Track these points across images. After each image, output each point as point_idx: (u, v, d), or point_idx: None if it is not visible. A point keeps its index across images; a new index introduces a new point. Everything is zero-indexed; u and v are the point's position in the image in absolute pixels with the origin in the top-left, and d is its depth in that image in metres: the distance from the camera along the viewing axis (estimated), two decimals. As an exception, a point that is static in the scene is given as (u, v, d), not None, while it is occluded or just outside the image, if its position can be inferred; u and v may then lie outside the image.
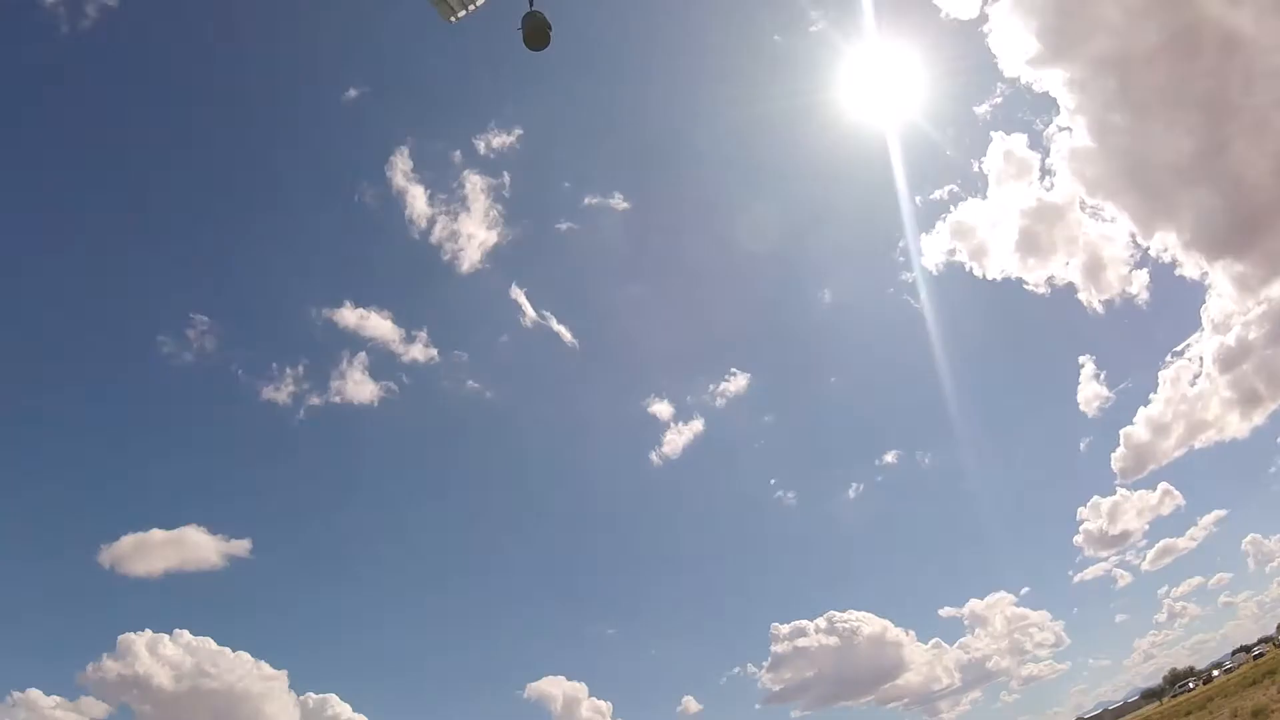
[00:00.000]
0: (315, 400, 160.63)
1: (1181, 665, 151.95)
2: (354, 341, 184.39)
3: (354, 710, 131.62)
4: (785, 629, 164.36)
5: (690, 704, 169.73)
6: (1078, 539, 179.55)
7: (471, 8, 23.72)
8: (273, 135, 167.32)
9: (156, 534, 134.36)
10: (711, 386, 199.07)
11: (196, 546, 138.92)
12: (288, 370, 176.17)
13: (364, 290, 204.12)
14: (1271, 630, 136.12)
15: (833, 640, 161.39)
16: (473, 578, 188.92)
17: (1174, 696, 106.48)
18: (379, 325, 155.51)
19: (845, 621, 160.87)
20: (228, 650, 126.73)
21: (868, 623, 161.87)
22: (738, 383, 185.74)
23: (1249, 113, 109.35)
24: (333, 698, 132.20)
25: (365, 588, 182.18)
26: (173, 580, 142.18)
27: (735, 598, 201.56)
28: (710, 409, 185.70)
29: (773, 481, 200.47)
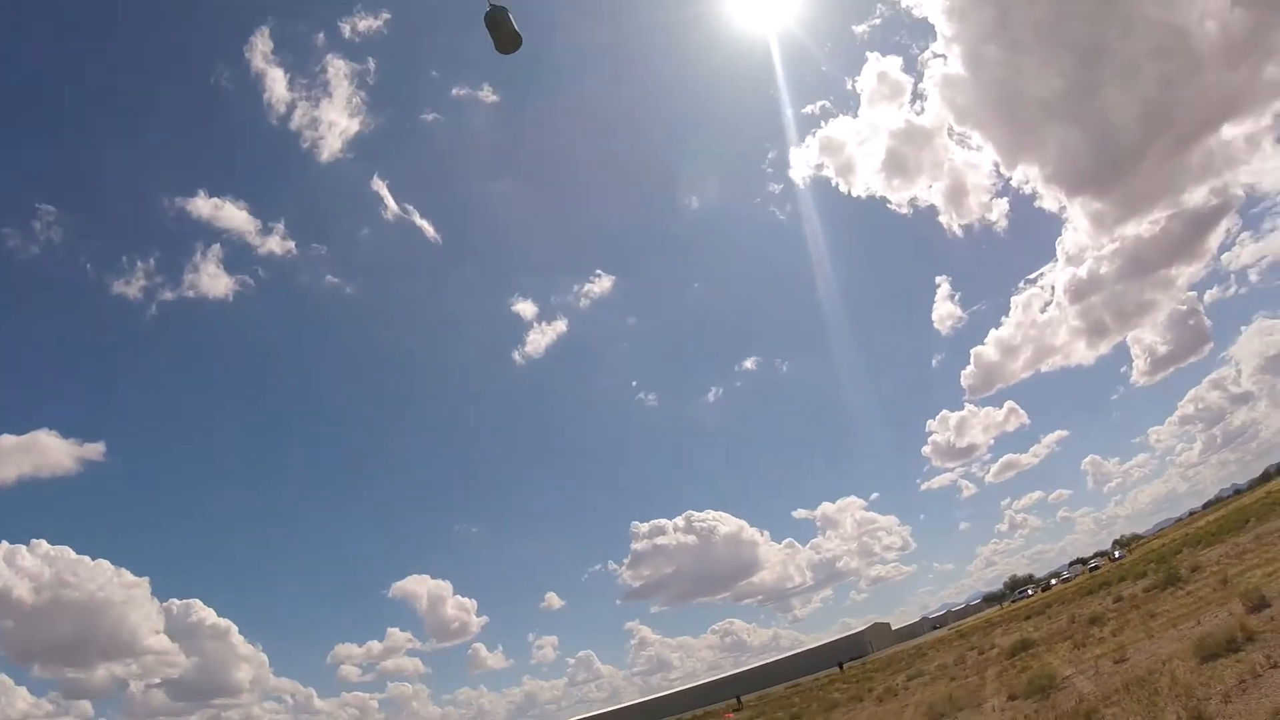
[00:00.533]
0: (168, 295, 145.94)
1: (1021, 573, 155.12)
2: (208, 233, 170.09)
3: (218, 615, 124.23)
4: (645, 527, 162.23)
5: (553, 600, 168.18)
6: (926, 450, 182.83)
7: None
8: (124, 11, 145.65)
9: (6, 440, 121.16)
10: (576, 287, 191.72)
11: (48, 451, 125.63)
12: (139, 263, 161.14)
13: (219, 179, 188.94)
14: (1106, 546, 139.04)
15: (691, 539, 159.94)
16: (334, 478, 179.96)
17: (1014, 602, 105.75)
18: (234, 216, 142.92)
19: (703, 521, 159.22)
20: (87, 559, 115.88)
21: (724, 522, 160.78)
22: (602, 284, 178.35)
23: (1122, 58, 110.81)
24: (196, 603, 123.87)
25: (225, 491, 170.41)
26: (26, 488, 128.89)
27: (596, 497, 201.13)
28: (574, 310, 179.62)
29: (634, 383, 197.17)
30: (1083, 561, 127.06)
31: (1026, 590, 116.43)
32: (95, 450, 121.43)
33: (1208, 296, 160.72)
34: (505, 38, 10.75)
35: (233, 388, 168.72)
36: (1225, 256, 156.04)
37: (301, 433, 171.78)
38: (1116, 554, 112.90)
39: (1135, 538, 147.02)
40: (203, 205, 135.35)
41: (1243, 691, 8.71)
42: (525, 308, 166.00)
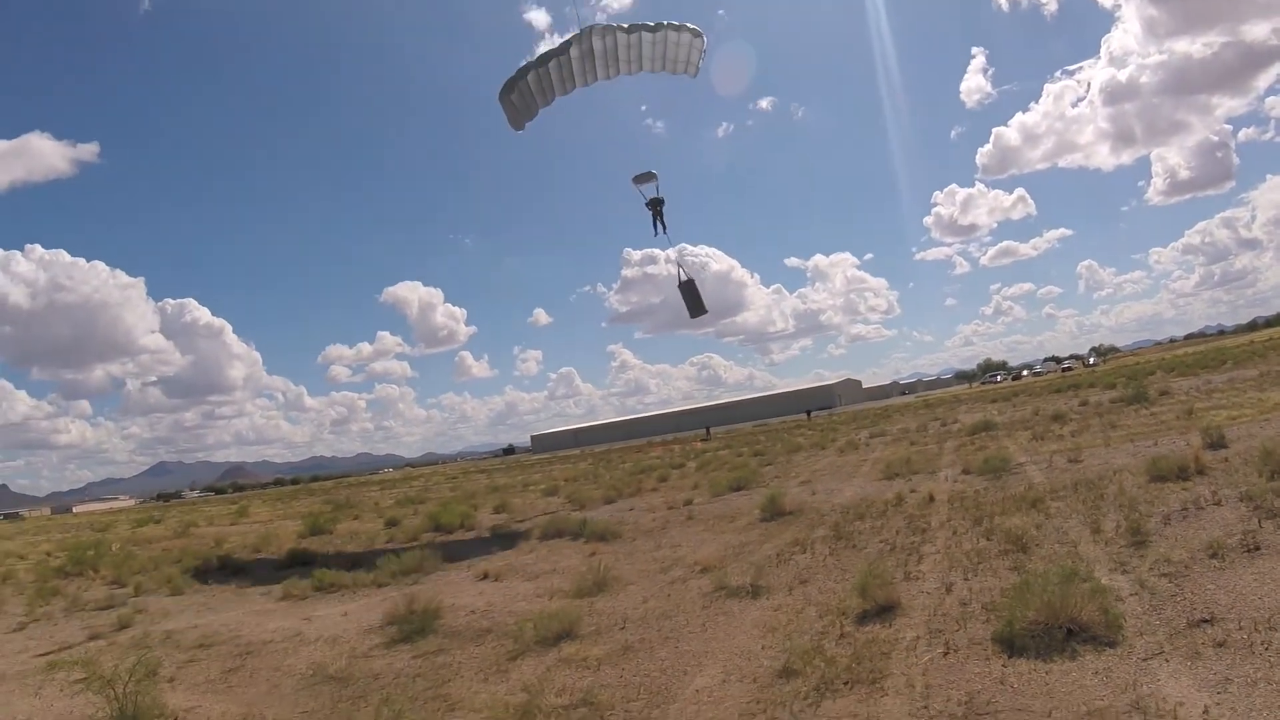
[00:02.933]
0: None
1: (996, 358, 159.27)
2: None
3: (213, 315, 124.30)
4: (637, 255, 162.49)
5: (541, 315, 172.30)
6: (928, 220, 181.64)
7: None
8: None
9: None
10: (592, 0, 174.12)
11: (41, 154, 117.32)
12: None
13: None
14: (1083, 351, 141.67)
15: (681, 271, 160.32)
16: (333, 182, 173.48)
17: (983, 384, 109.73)
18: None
19: (695, 255, 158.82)
20: (82, 261, 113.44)
21: (717, 260, 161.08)
22: (621, 0, 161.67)
23: None
24: (191, 303, 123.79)
25: (221, 190, 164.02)
26: (19, 194, 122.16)
27: (592, 220, 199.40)
28: (589, 23, 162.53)
29: (644, 108, 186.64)
30: (1057, 360, 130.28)
31: (997, 376, 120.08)
32: (89, 151, 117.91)
33: (1242, 134, 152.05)
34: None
35: (229, 84, 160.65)
36: (1270, 100, 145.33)
37: (300, 133, 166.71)
38: (1091, 360, 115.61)
39: (1112, 350, 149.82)
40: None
41: (1183, 519, 9.19)
42: (538, 17, 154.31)
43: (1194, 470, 11.55)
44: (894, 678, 6.09)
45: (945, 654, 6.41)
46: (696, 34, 24.13)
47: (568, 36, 23.65)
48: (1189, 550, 7.89)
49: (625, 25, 23.35)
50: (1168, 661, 5.49)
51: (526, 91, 24.06)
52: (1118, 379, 45.76)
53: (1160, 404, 24.99)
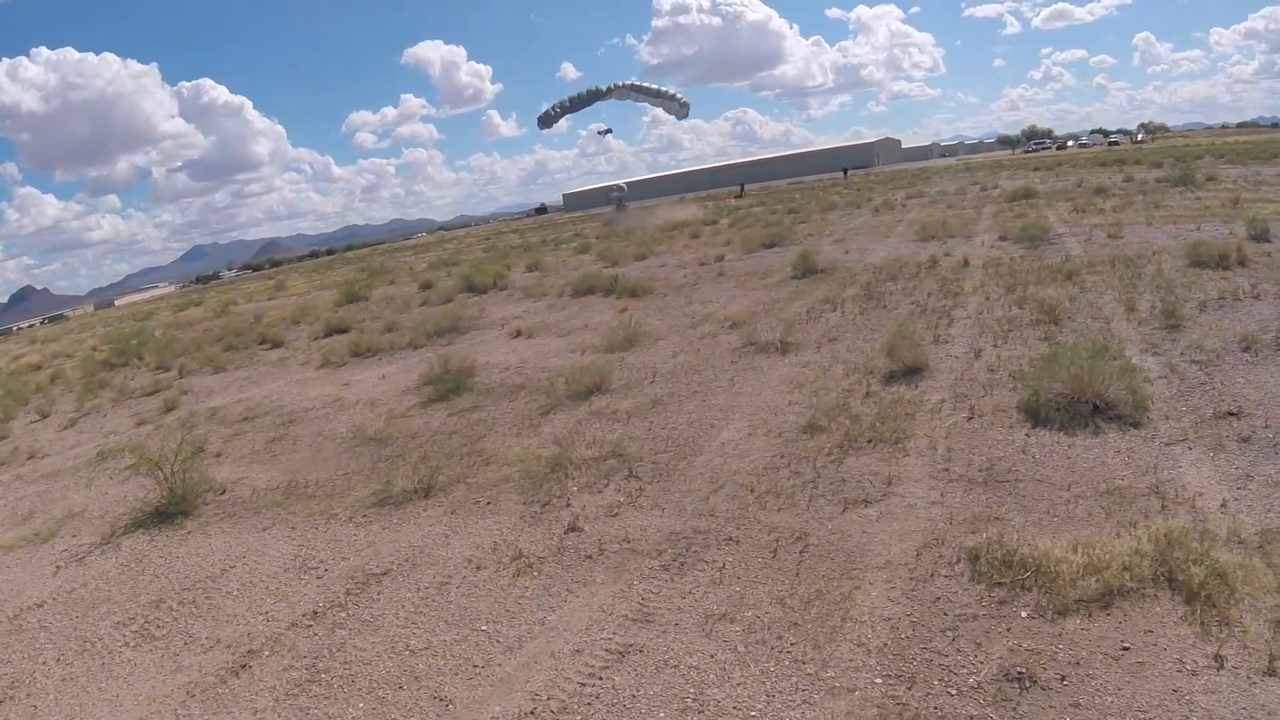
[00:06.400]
0: None
1: (1042, 126, 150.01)
2: None
3: (231, 93, 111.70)
4: (668, 4, 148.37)
5: (569, 70, 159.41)
6: None
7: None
8: None
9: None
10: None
11: None
12: None
13: None
14: (1131, 126, 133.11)
15: (716, 20, 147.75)
16: None
17: (1026, 151, 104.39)
18: None
19: (730, 4, 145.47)
20: (91, 56, 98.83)
21: (753, 9, 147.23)
22: None
23: None
24: (207, 83, 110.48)
25: None
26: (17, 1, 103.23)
27: None
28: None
29: None
30: (1104, 133, 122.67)
31: (1044, 143, 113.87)
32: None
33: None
34: None
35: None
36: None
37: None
38: (1139, 137, 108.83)
39: (1162, 128, 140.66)
40: None
41: (1219, 308, 8.75)
42: None
43: (1235, 260, 10.97)
44: (917, 439, 6.10)
45: (969, 419, 6.37)
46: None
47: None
48: (1222, 340, 7.57)
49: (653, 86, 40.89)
50: (1190, 449, 5.36)
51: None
52: (1165, 159, 43.06)
53: (1206, 189, 23.54)
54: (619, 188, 52.64)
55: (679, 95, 42.37)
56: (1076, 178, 35.23)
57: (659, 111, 42.95)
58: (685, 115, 42.91)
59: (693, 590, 4.48)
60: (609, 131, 44.10)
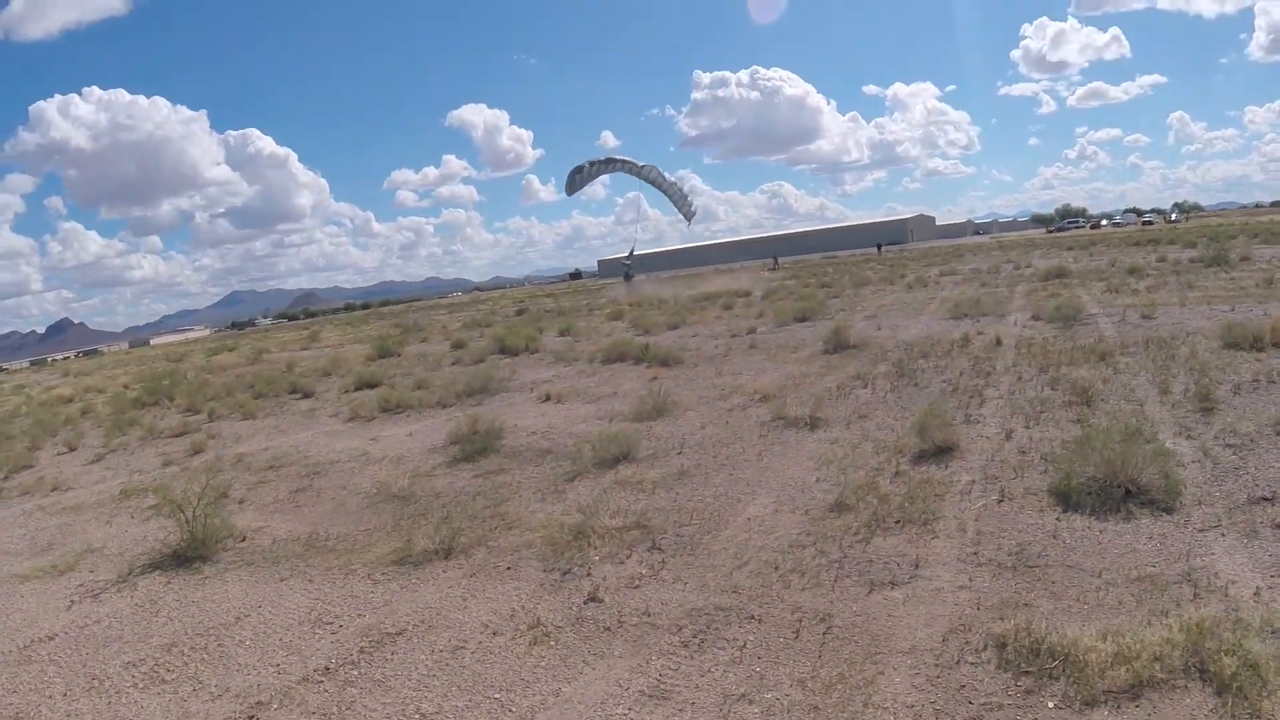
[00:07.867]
0: None
1: (1076, 204, 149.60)
2: None
3: (277, 144, 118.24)
4: (708, 78, 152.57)
5: (608, 139, 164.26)
6: (1015, 54, 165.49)
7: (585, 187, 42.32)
8: None
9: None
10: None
11: None
12: None
13: None
14: (1165, 205, 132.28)
15: (754, 95, 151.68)
16: (395, 1, 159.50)
17: (1060, 230, 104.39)
18: None
19: (769, 79, 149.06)
20: (142, 99, 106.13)
21: (791, 84, 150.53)
22: None
23: None
24: (254, 133, 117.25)
25: (280, 16, 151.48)
26: (71, 38, 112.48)
27: (660, 39, 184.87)
28: None
29: None
30: (1138, 213, 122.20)
31: (1077, 221, 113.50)
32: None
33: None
34: None
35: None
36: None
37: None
38: (1173, 216, 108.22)
39: (1196, 207, 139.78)
40: None
41: (1254, 390, 8.54)
42: None
43: (1269, 342, 10.76)
44: (946, 520, 5.94)
45: (1000, 501, 6.20)
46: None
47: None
48: (1256, 424, 7.35)
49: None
50: (1224, 536, 5.16)
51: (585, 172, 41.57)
52: (1199, 238, 42.68)
53: (1240, 269, 23.24)
54: (627, 260, 54.16)
55: (693, 204, 43.66)
56: (1110, 257, 35.02)
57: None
58: (690, 222, 44.24)
59: (712, 669, 4.34)
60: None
